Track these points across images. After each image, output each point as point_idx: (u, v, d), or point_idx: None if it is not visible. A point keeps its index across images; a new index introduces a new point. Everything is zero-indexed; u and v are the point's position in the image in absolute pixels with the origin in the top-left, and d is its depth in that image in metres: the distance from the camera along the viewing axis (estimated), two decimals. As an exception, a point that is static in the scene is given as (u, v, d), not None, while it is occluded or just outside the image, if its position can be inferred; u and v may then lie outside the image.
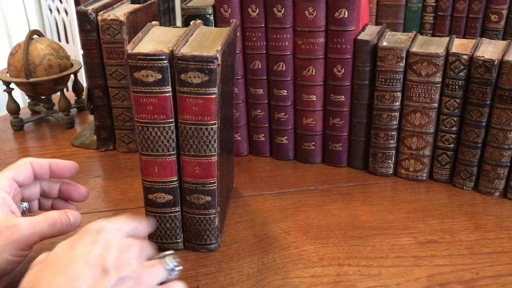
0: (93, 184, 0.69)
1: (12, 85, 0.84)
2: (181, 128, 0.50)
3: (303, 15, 0.64)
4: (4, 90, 0.84)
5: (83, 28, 0.71)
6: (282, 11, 0.65)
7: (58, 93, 0.86)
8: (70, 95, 0.94)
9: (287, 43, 0.67)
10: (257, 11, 0.66)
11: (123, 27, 0.70)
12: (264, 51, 0.68)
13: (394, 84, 0.64)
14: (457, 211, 0.61)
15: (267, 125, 0.73)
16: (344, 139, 0.70)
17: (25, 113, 0.92)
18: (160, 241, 0.55)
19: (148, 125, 0.49)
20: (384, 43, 0.64)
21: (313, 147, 0.72)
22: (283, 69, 0.68)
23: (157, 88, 0.48)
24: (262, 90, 0.71)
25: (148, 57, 0.47)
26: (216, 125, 0.49)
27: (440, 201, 0.63)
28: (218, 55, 0.47)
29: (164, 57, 0.47)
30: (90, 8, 0.70)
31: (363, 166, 0.71)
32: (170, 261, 0.41)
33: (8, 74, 0.84)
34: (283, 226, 0.59)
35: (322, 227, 0.59)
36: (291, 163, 0.74)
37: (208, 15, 0.68)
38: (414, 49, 0.62)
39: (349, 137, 0.70)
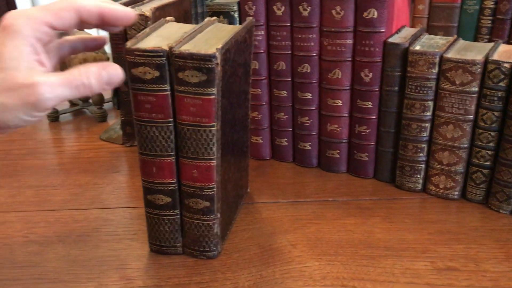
0: (110, 179, 0.69)
1: (50, 77, 0.86)
2: (179, 129, 0.47)
3: (330, 15, 0.60)
4: (42, 81, 0.86)
5: (111, 22, 0.71)
6: (308, 10, 0.61)
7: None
8: (108, 89, 0.94)
9: (312, 43, 0.63)
10: (283, 9, 0.63)
11: (149, 22, 0.69)
12: (289, 52, 0.65)
13: (425, 92, 0.58)
14: (487, 236, 0.55)
15: (290, 129, 0.69)
16: (370, 148, 0.65)
17: (63, 104, 0.94)
18: (159, 243, 0.53)
19: (146, 123, 0.48)
20: (417, 47, 0.58)
21: (338, 156, 0.68)
22: (308, 71, 0.64)
23: (155, 86, 0.46)
24: (286, 92, 0.67)
25: (145, 54, 0.45)
26: (216, 128, 0.47)
27: (470, 224, 0.57)
28: (217, 53, 0.44)
29: (162, 54, 0.45)
30: (118, 3, 0.70)
31: (390, 179, 0.66)
32: None
33: (46, 66, 0.86)
34: (290, 238, 0.55)
35: (332, 242, 0.55)
36: (314, 171, 0.70)
37: (232, 12, 0.65)
38: (449, 54, 0.56)
39: (376, 147, 0.65)
